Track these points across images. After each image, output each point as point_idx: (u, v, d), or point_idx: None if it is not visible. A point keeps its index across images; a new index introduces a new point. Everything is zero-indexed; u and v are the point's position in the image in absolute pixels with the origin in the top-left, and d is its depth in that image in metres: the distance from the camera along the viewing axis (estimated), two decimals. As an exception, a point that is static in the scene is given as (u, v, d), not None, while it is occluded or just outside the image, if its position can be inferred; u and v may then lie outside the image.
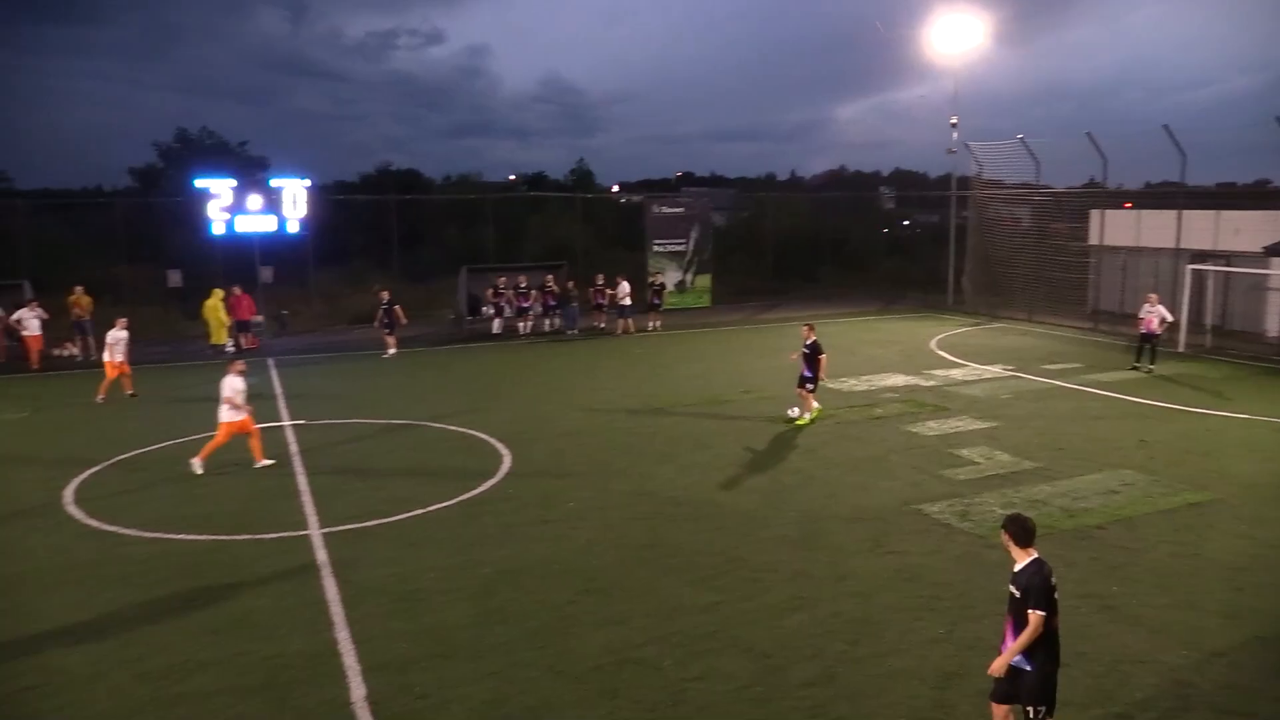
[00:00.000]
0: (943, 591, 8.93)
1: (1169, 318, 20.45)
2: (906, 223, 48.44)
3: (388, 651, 7.85)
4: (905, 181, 59.89)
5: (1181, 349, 22.43)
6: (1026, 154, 29.68)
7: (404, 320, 24.40)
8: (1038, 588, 5.66)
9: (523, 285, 28.03)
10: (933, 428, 15.27)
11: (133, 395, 18.66)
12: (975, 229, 32.51)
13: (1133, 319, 22.09)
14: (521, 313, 27.93)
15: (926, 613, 8.48)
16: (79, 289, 24.32)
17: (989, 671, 5.85)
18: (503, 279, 28.17)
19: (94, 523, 11.23)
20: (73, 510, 11.71)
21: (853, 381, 19.35)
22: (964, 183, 33.40)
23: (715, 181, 75.05)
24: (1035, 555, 5.86)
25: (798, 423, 15.57)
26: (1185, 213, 25.55)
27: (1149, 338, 20.04)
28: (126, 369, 18.60)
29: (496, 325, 27.73)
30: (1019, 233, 30.92)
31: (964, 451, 13.81)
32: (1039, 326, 27.71)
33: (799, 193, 55.13)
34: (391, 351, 23.88)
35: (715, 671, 7.45)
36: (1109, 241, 28.45)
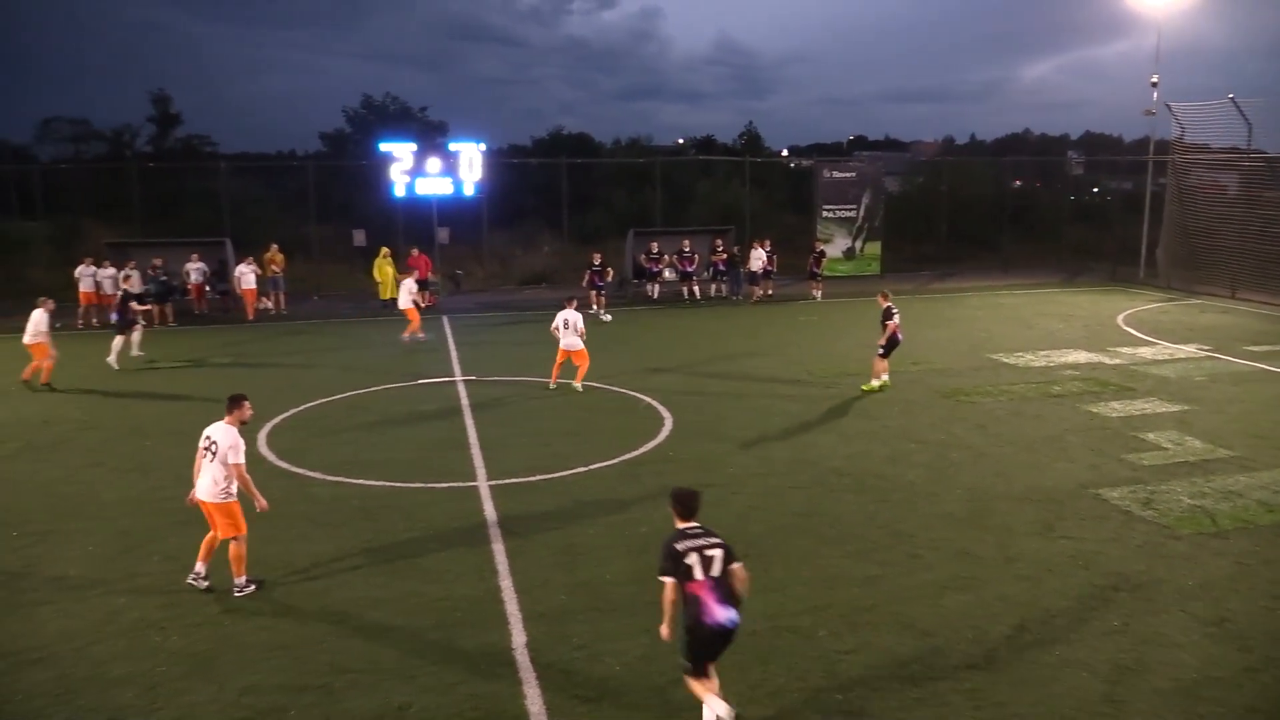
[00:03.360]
0: (1120, 582, 8.45)
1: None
2: (1096, 189, 45.53)
3: (547, 602, 8.13)
4: (1096, 145, 56.12)
5: None
6: (1237, 115, 27.20)
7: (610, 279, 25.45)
8: (660, 555, 6.17)
9: (687, 249, 28.08)
10: (1116, 409, 14.42)
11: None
12: (1173, 197, 30.14)
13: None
14: (685, 277, 28.01)
15: (1101, 603, 8.06)
16: (274, 247, 26.09)
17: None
18: (655, 244, 28.29)
19: (284, 464, 12.09)
20: (265, 452, 12.63)
21: (1029, 357, 18.47)
22: (1163, 146, 31.03)
23: (889, 145, 72.68)
24: (691, 524, 6.32)
25: (870, 390, 15.63)
26: None
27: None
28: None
29: (652, 290, 27.91)
30: (1224, 201, 28.50)
31: (1150, 435, 12.98)
32: (1243, 304, 25.61)
33: (979, 156, 52.62)
34: (597, 310, 24.15)
35: (871, 646, 7.34)
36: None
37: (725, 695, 6.12)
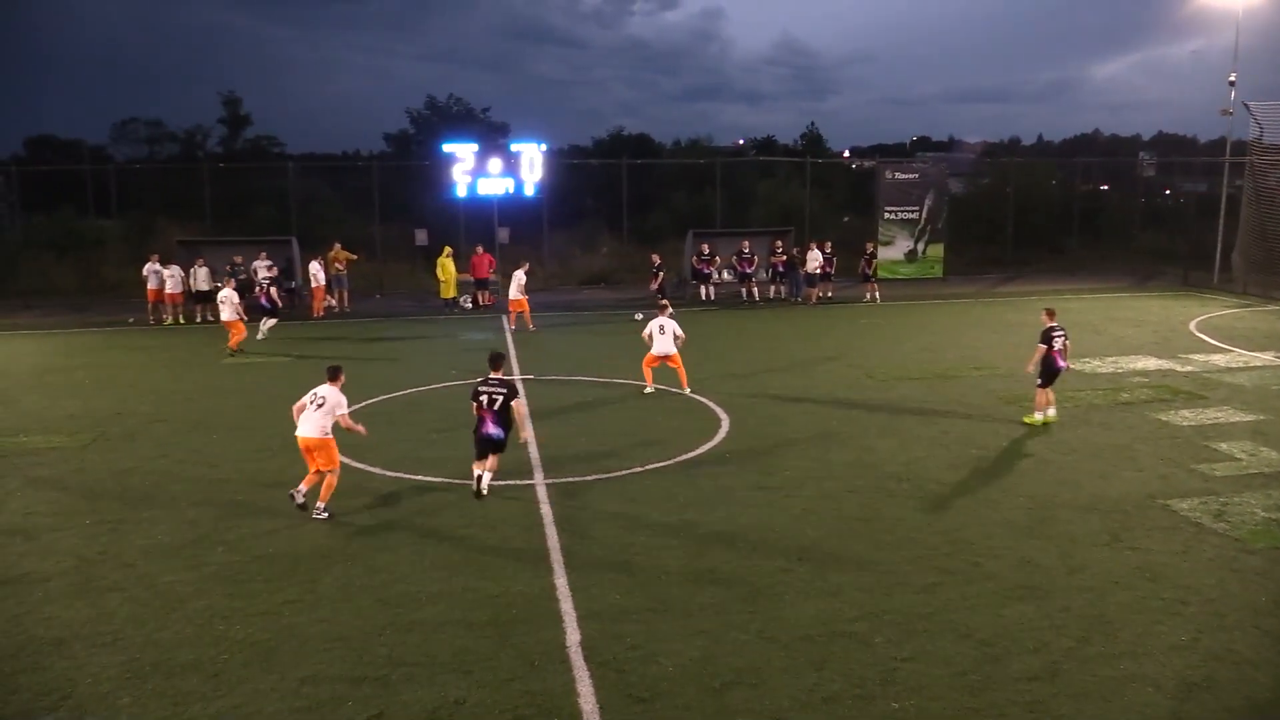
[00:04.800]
0: (1189, 595, 8.20)
1: None
2: (1168, 191, 44.32)
3: (602, 601, 8.14)
4: (1169, 146, 54.55)
5: None
6: (1320, 115, 26.30)
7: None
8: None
9: (746, 250, 27.94)
10: (1187, 417, 14.01)
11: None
12: (1251, 199, 29.16)
13: None
14: (744, 278, 27.87)
15: (1169, 616, 7.82)
16: (338, 245, 26.57)
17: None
18: (706, 245, 28.16)
19: (346, 459, 12.21)
20: (330, 446, 12.83)
21: (1096, 363, 18.04)
22: (1240, 147, 30.08)
23: (953, 146, 71.54)
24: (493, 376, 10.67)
25: (1035, 424, 13.56)
26: None
27: None
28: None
29: (706, 292, 27.73)
30: (1306, 205, 27.57)
31: (1223, 445, 12.58)
32: (1323, 310, 24.72)
33: (1046, 157, 51.53)
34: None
35: (929, 654, 7.22)
36: None
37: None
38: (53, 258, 30.90)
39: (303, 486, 10.31)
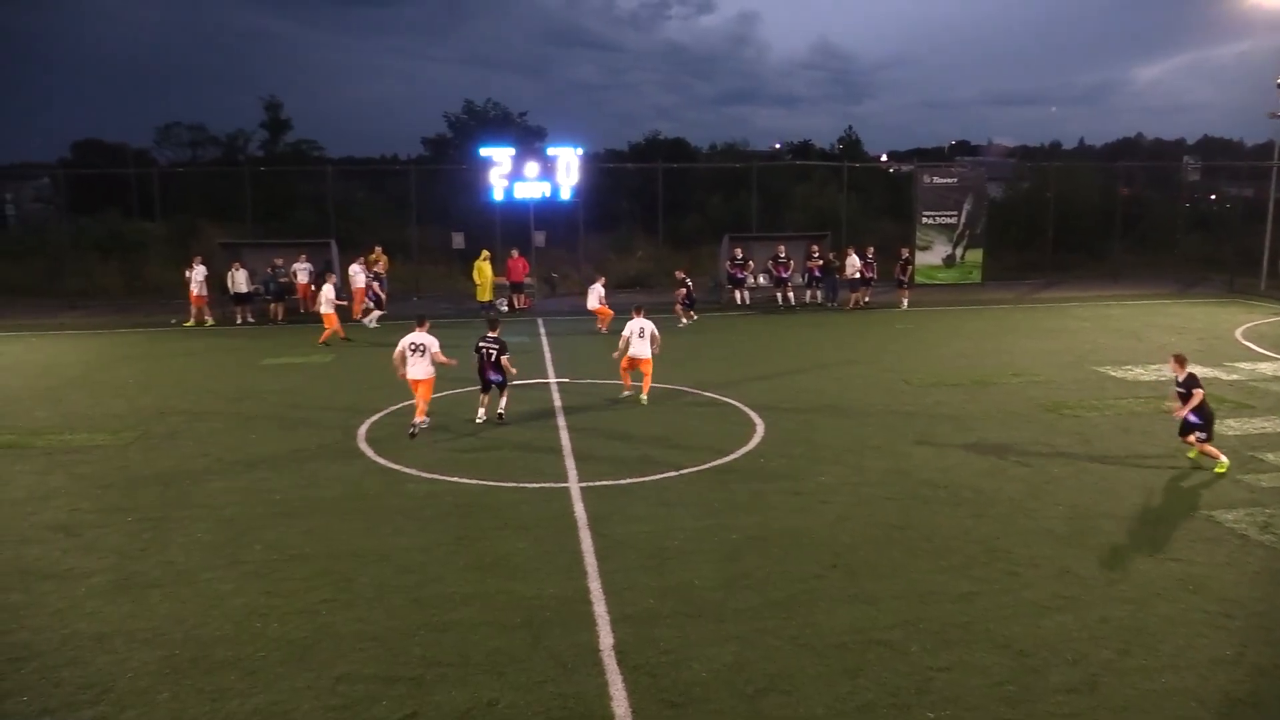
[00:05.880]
0: (1234, 609, 8.03)
1: None
2: (1214, 196, 43.55)
3: (635, 604, 8.13)
4: (1214, 150, 53.70)
5: None
6: (1372, 119, 25.73)
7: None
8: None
9: (782, 255, 27.82)
10: (1232, 426, 13.73)
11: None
12: (1299, 205, 28.64)
13: None
14: (780, 283, 27.75)
15: (1212, 630, 7.67)
16: (378, 248, 26.82)
17: None
18: (739, 249, 28.03)
19: (382, 460, 12.40)
20: (365, 448, 12.98)
21: (1138, 370, 17.76)
22: (1289, 152, 29.51)
23: (979, 150, 70.86)
24: (490, 334, 13.98)
25: (1217, 470, 11.67)
26: None
27: None
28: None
29: (741, 297, 27.62)
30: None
31: (1270, 456, 12.32)
32: (1374, 319, 24.15)
33: (1088, 162, 50.86)
34: (683, 322, 23.97)
35: (966, 664, 7.13)
36: None
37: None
38: (98, 259, 31.51)
39: (417, 420, 13.33)
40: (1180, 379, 11.94)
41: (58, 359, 20.30)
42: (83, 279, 29.99)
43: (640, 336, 15.32)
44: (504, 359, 13.74)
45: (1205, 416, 11.83)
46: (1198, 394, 11.74)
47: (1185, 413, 11.83)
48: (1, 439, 13.66)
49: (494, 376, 13.88)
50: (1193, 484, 11.24)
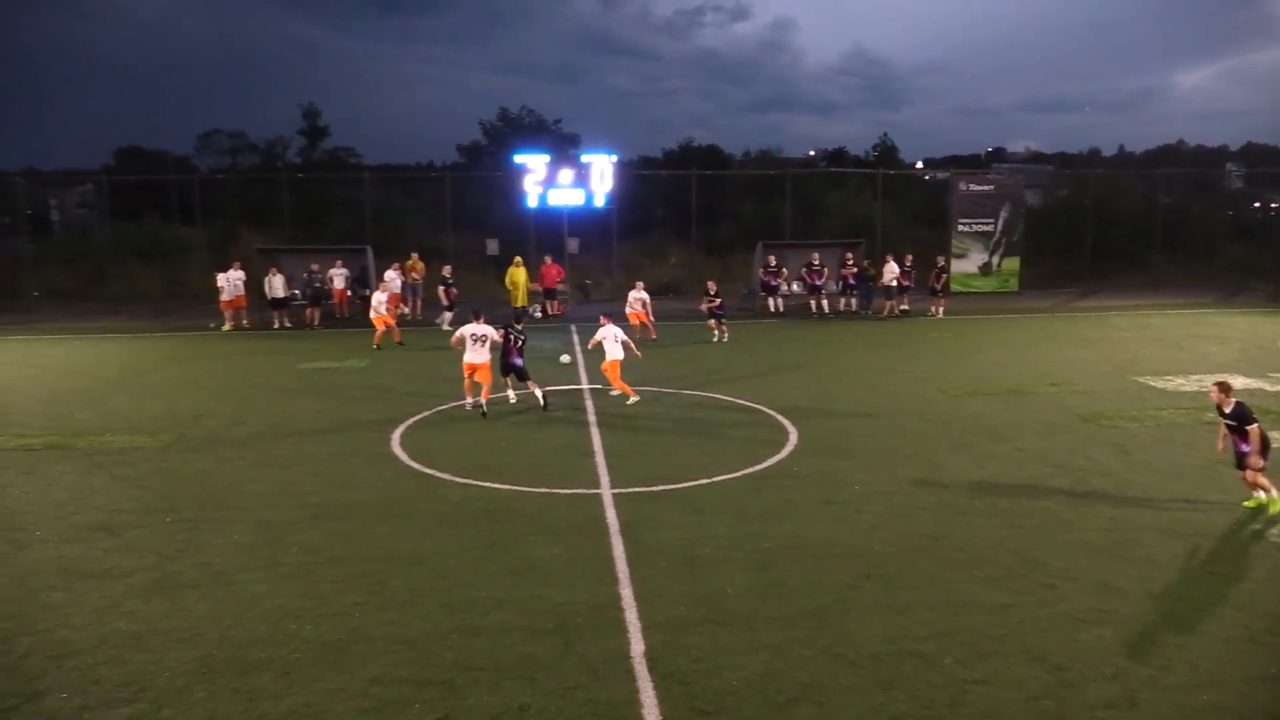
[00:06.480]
0: (1278, 625, 7.85)
1: None
2: (1258, 204, 42.78)
3: (667, 612, 8.11)
4: (1259, 157, 52.80)
5: None
6: None
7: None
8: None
9: (816, 262, 27.70)
10: (1277, 439, 13.44)
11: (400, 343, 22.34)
12: (1347, 213, 28.07)
13: None
14: (814, 290, 27.62)
15: (1257, 647, 7.51)
16: (414, 255, 27.04)
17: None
18: (773, 257, 27.89)
19: (415, 465, 12.48)
20: (398, 451, 13.08)
21: (1180, 381, 17.47)
22: (1336, 160, 28.92)
23: (1032, 158, 70.07)
24: (515, 326, 15.75)
25: (1270, 510, 10.52)
26: None
27: None
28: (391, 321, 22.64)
29: (774, 304, 27.47)
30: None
31: (1316, 468, 12.05)
32: None
33: (1128, 169, 50.18)
34: (716, 336, 23.28)
35: (1001, 676, 7.04)
36: None
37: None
38: (139, 264, 32.06)
39: (482, 399, 15.10)
40: (1227, 409, 10.68)
41: (100, 361, 20.67)
42: (125, 284, 30.54)
43: (616, 341, 16.16)
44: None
45: (1264, 446, 10.54)
46: (1254, 430, 10.43)
47: (1255, 458, 10.44)
48: (45, 440, 13.92)
49: (517, 361, 15.49)
50: (1235, 497, 11.02)
